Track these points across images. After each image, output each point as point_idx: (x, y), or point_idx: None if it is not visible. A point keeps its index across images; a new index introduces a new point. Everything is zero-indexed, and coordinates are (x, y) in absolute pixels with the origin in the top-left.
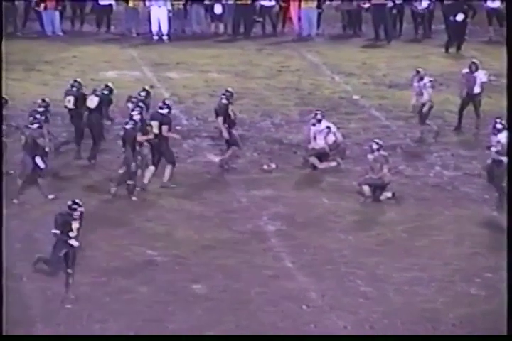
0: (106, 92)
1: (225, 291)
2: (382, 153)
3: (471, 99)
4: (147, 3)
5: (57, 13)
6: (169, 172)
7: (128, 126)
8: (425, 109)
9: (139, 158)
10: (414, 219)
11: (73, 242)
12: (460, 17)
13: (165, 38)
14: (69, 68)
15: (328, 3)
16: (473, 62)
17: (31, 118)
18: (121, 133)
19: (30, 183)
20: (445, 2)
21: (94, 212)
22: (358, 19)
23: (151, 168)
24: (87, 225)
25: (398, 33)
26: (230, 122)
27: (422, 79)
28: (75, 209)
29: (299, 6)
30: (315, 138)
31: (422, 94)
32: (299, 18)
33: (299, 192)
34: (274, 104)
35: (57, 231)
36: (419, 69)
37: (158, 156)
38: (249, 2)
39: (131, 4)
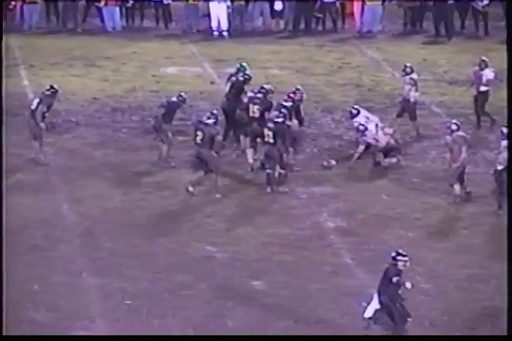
0: (241, 78)
1: (285, 287)
2: (461, 133)
3: (478, 96)
4: None
5: (118, 9)
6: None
7: (279, 120)
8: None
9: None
10: (474, 216)
11: (408, 285)
12: None
13: (225, 33)
14: (129, 64)
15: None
16: (483, 60)
17: (209, 114)
18: (271, 125)
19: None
20: None
21: (156, 208)
22: (420, 16)
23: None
24: (148, 221)
25: (459, 29)
26: (300, 119)
27: (407, 74)
28: (399, 260)
29: (363, 2)
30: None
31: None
32: (361, 15)
33: (359, 188)
34: (334, 100)
35: (398, 278)
36: (408, 64)
37: None
38: None
39: (191, 0)
